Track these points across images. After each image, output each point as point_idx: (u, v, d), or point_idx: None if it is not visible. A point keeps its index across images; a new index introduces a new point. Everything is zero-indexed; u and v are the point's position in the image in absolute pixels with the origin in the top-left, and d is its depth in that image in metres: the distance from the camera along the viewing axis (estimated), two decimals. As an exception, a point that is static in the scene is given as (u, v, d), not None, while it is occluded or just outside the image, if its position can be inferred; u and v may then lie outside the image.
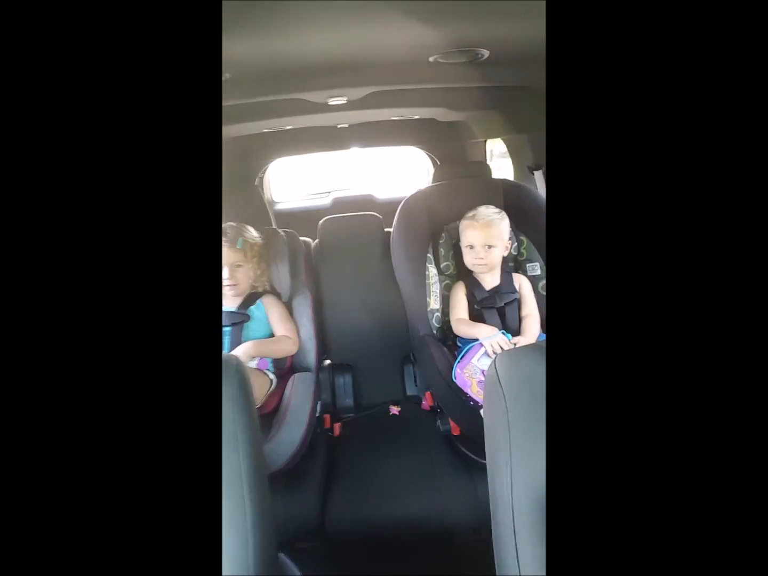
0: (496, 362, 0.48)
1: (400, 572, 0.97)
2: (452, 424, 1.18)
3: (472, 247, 1.18)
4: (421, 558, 1.01)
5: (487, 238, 1.16)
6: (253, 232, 1.20)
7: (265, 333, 1.20)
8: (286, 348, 1.19)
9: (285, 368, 1.23)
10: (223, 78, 0.80)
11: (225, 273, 1.13)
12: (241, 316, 1.16)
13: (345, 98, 1.12)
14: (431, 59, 0.81)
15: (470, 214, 1.19)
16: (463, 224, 1.20)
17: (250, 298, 1.20)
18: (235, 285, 1.15)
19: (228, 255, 1.14)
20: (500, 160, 2.00)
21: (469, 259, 1.19)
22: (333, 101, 1.14)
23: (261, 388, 1.12)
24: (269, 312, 1.20)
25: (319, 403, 1.20)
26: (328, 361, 1.47)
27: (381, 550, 1.03)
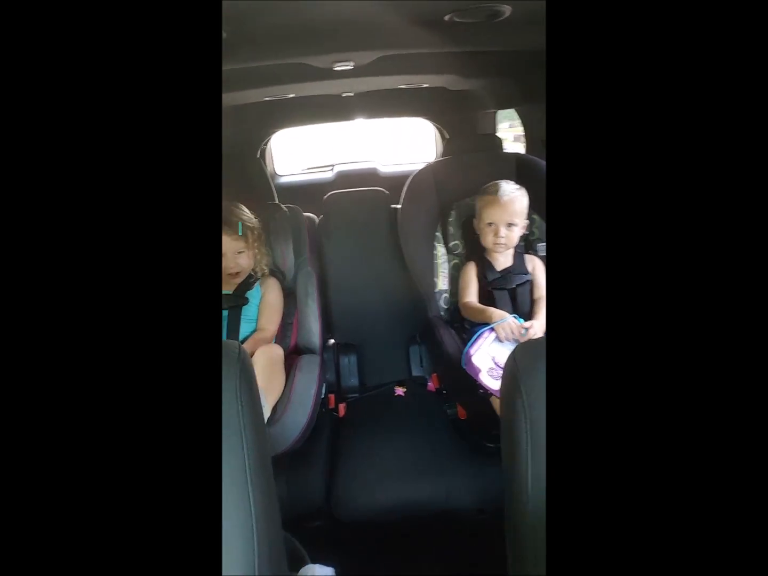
0: (516, 355, 0.47)
1: (405, 552, 0.98)
2: (459, 408, 1.16)
3: (491, 224, 1.11)
4: (425, 538, 1.02)
5: (510, 216, 1.09)
6: (247, 213, 1.15)
7: None
8: (258, 344, 1.08)
9: (289, 349, 1.20)
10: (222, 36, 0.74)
11: (229, 262, 1.09)
12: (239, 300, 1.13)
13: (351, 63, 1.05)
14: (446, 17, 0.74)
15: (491, 189, 1.11)
16: (484, 200, 1.12)
17: (248, 281, 1.16)
18: (239, 273, 1.12)
19: (230, 243, 1.09)
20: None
21: (489, 239, 1.12)
22: (339, 66, 1.07)
23: (278, 389, 1.05)
24: (263, 296, 1.16)
25: (323, 383, 1.18)
26: (332, 341, 1.45)
27: (386, 529, 1.04)
